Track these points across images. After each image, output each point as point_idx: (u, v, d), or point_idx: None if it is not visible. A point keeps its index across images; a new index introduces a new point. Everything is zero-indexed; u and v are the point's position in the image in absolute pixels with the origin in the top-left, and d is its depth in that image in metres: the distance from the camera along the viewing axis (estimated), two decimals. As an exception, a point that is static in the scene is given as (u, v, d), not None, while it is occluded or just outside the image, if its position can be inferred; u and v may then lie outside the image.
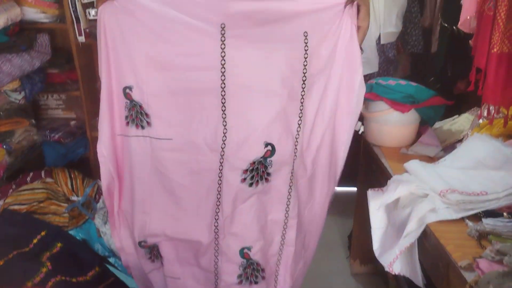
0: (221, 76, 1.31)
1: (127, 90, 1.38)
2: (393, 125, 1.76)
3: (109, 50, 1.36)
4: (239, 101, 1.33)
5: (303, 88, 1.37)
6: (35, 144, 2.31)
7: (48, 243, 1.66)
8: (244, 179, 1.39)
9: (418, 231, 1.22)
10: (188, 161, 1.40)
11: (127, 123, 1.42)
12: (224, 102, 1.33)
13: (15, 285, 1.41)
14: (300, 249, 1.58)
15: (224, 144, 1.36)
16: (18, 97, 2.10)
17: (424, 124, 1.83)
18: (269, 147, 1.37)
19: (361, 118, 1.95)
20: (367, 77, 2.46)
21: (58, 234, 1.71)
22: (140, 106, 1.39)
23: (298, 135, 1.41)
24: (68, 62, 2.33)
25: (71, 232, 1.80)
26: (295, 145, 1.41)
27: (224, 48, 1.29)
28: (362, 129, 1.94)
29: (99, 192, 2.07)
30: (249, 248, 1.46)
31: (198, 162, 1.39)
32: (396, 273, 1.32)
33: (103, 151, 1.44)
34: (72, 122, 2.52)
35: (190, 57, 1.31)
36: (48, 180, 1.99)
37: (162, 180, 1.45)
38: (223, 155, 1.37)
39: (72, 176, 2.05)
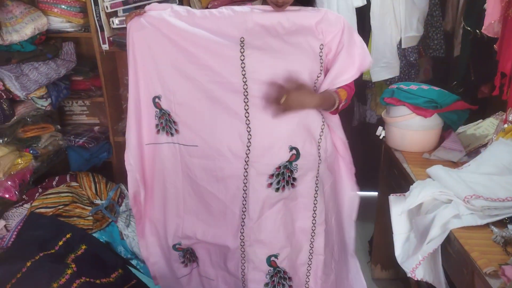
0: (243, 85, 1.34)
1: (157, 100, 1.45)
2: (415, 130, 1.74)
3: (138, 63, 1.42)
4: (262, 108, 1.35)
5: None
6: (60, 149, 2.36)
7: (73, 245, 1.70)
8: (270, 184, 1.40)
9: (442, 237, 1.21)
10: (213, 168, 1.43)
11: (158, 131, 1.49)
12: (248, 109, 1.36)
13: (41, 286, 1.45)
14: (330, 259, 1.57)
15: (249, 150, 1.38)
16: (44, 104, 2.16)
17: (447, 129, 1.80)
18: (294, 151, 1.38)
19: (382, 123, 1.94)
20: (388, 82, 2.44)
21: (83, 237, 1.75)
22: (169, 115, 1.45)
23: (321, 139, 1.43)
24: (92, 70, 2.39)
25: (95, 235, 1.83)
26: (319, 150, 1.42)
27: (243, 59, 1.33)
28: (383, 134, 1.93)
29: (121, 196, 2.11)
30: (276, 256, 1.46)
31: (223, 169, 1.42)
32: (419, 279, 1.30)
33: (130, 160, 1.49)
34: (96, 128, 2.58)
35: (212, 68, 1.36)
36: (73, 184, 2.04)
37: (193, 185, 1.50)
38: (248, 161, 1.39)
39: (96, 180, 2.10)
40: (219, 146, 1.40)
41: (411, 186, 1.42)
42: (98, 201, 2.02)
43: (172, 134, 1.47)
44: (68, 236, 1.72)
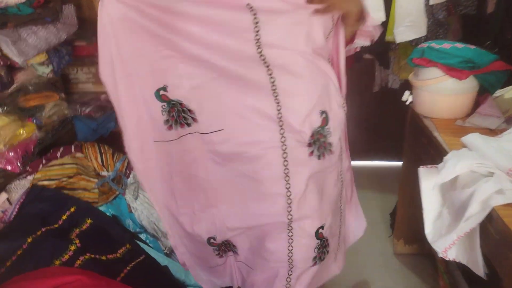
0: (260, 56, 1.16)
1: (161, 92, 1.25)
2: (448, 94, 1.56)
3: (123, 55, 1.21)
4: (287, 75, 1.19)
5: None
6: (66, 119, 2.26)
7: (78, 219, 1.61)
8: (312, 153, 1.28)
9: (482, 215, 1.06)
10: (246, 148, 1.27)
11: (170, 127, 1.30)
12: (273, 81, 1.19)
13: (43, 264, 1.37)
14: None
15: (281, 121, 1.23)
16: (46, 71, 2.05)
17: (483, 93, 1.62)
18: (324, 115, 1.26)
19: (409, 87, 1.77)
20: (413, 43, 2.25)
21: (88, 210, 1.66)
22: (181, 104, 1.26)
23: (344, 102, 1.33)
24: (96, 34, 2.24)
25: (101, 208, 1.74)
26: (345, 111, 1.34)
27: (258, 31, 1.13)
28: (410, 99, 1.76)
29: (129, 167, 2.00)
30: (322, 227, 1.34)
31: (257, 146, 1.26)
32: (451, 259, 1.18)
33: (135, 163, 1.38)
34: (102, 96, 2.47)
35: (222, 44, 1.16)
36: (78, 155, 1.94)
37: (224, 172, 1.34)
38: (283, 132, 1.24)
39: (102, 151, 2.00)
40: (248, 123, 1.24)
41: (444, 158, 1.27)
42: (104, 173, 1.93)
43: (189, 125, 1.29)
44: (72, 209, 1.63)
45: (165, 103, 1.27)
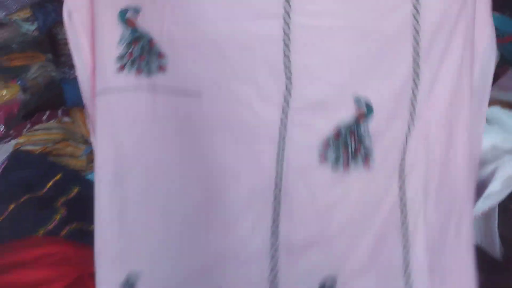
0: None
1: (129, 14, 0.86)
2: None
3: None
4: (312, 30, 0.79)
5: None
6: (53, 82, 2.13)
7: (64, 188, 1.51)
8: (325, 157, 0.82)
9: (503, 193, 0.98)
10: (229, 128, 0.84)
11: (122, 67, 0.87)
12: (289, 33, 0.78)
13: (27, 233, 1.28)
14: None
15: (290, 95, 0.80)
16: (31, 28, 1.91)
17: (503, 65, 1.52)
18: (363, 106, 0.81)
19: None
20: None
21: (74, 178, 1.56)
22: (150, 41, 0.85)
23: (418, 90, 0.82)
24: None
25: (89, 177, 1.64)
26: (413, 109, 0.82)
27: None
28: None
29: (120, 134, 1.89)
30: None
31: (245, 130, 0.83)
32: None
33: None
34: (93, 58, 2.34)
35: None
36: (65, 119, 1.82)
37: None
38: (287, 112, 0.80)
39: (91, 116, 1.87)
40: (237, 87, 0.82)
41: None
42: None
43: (149, 72, 0.86)
44: (57, 177, 1.53)
45: (128, 31, 0.86)
